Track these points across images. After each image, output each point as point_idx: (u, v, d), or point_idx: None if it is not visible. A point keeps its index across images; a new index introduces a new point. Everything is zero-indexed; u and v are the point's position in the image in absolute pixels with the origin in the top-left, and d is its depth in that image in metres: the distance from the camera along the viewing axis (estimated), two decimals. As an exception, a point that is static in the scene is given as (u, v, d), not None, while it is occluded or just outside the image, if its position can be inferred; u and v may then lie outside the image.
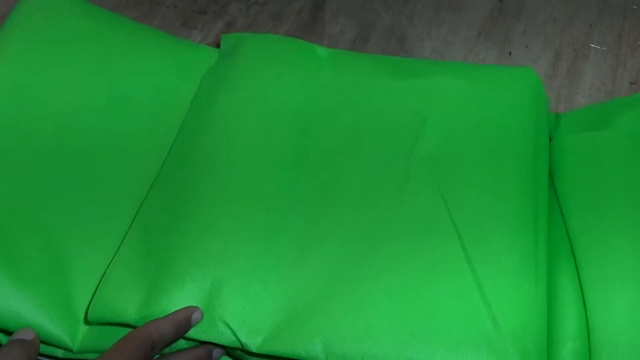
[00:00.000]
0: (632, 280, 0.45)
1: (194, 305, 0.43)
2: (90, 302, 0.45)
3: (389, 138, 0.52)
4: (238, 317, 0.43)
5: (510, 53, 0.69)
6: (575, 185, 0.51)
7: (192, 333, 0.43)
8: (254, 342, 0.42)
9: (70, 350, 0.46)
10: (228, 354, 0.47)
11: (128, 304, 0.44)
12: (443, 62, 0.60)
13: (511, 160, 0.50)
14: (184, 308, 0.43)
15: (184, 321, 0.42)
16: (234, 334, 0.43)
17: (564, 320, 0.46)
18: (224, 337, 0.43)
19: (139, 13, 0.74)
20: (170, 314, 0.43)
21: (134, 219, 0.50)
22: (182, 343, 0.45)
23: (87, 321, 0.46)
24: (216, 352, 0.46)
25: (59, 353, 0.48)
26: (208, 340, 0.43)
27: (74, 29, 0.57)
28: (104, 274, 0.47)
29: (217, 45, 0.63)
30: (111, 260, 0.48)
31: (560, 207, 0.51)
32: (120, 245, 0.48)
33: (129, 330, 0.45)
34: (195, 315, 0.43)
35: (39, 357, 0.48)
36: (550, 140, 0.56)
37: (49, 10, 0.57)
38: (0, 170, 0.50)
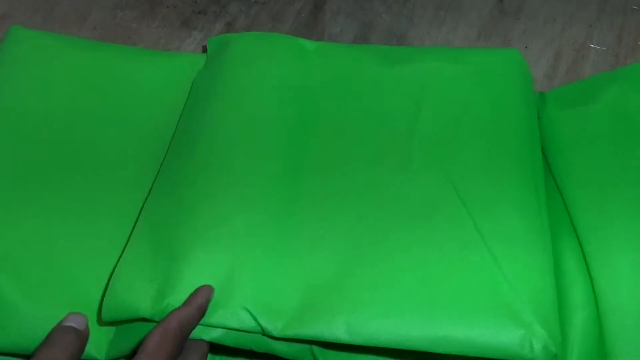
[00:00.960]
0: (632, 244, 0.46)
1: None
2: (102, 301, 0.45)
3: (387, 123, 0.52)
4: (257, 302, 0.43)
5: (510, 53, 0.69)
6: (568, 159, 0.53)
7: (213, 320, 0.42)
8: (275, 327, 0.42)
9: None
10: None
11: (142, 298, 0.43)
12: (429, 47, 0.61)
13: (508, 135, 0.51)
14: (200, 289, 0.42)
15: (205, 304, 0.42)
16: (255, 319, 0.42)
17: (572, 290, 0.47)
18: (245, 323, 0.42)
19: (139, 13, 0.74)
20: (190, 299, 0.42)
21: (138, 216, 0.50)
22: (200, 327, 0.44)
23: (100, 321, 0.46)
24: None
25: None
26: (230, 327, 0.43)
27: (58, 61, 0.59)
28: (112, 271, 0.47)
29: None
30: (119, 258, 0.47)
31: (556, 181, 0.53)
32: (127, 244, 0.48)
33: (147, 324, 0.44)
34: (211, 295, 0.42)
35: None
36: (537, 117, 0.58)
37: (33, 47, 0.60)
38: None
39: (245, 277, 0.43)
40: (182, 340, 0.40)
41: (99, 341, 0.46)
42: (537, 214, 0.47)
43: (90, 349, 0.45)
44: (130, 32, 0.72)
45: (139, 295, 0.43)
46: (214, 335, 0.44)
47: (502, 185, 0.48)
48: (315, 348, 0.45)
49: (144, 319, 0.44)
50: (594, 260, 0.47)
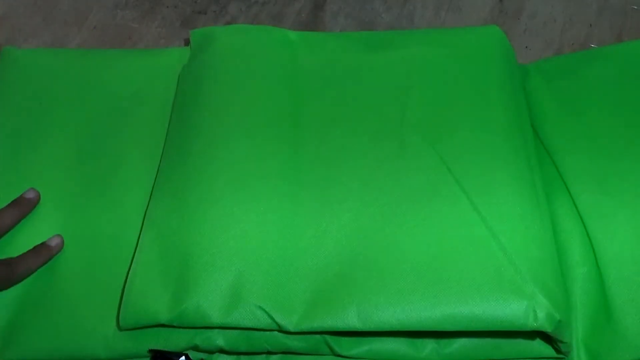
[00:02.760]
0: (625, 200, 0.50)
1: (225, 293, 0.44)
2: (119, 310, 0.46)
3: (377, 110, 0.54)
4: (270, 300, 0.44)
5: (510, 53, 0.69)
6: (557, 127, 0.56)
7: (230, 321, 0.44)
8: (290, 322, 0.44)
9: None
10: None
11: (158, 304, 0.44)
12: (412, 31, 0.62)
13: (496, 111, 0.53)
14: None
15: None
16: (270, 316, 0.44)
17: (569, 248, 0.50)
18: (261, 321, 0.44)
19: (139, 13, 0.74)
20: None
21: (142, 222, 0.51)
22: (217, 331, 0.46)
23: (119, 327, 0.46)
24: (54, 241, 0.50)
25: None
26: (246, 327, 0.44)
27: (53, 74, 0.62)
28: (125, 280, 0.48)
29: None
30: (129, 267, 0.48)
31: (545, 147, 0.56)
32: (135, 252, 0.49)
33: (163, 329, 0.46)
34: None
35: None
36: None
37: (27, 66, 0.62)
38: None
39: (256, 277, 0.45)
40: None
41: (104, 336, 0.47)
42: (531, 185, 0.49)
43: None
44: (130, 32, 0.72)
45: (155, 303, 0.44)
46: (228, 341, 0.46)
47: (494, 162, 0.50)
48: (329, 338, 0.46)
49: (162, 325, 0.45)
50: (590, 218, 0.50)
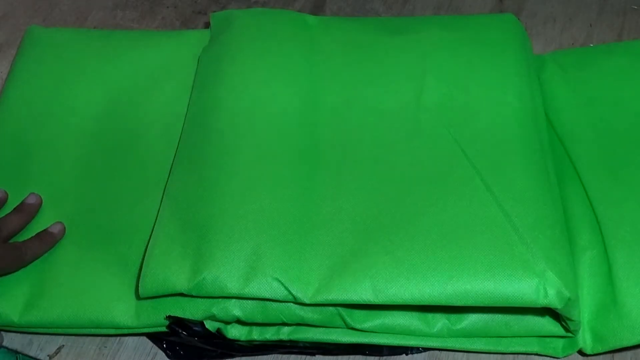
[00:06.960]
0: (635, 187, 0.51)
1: (242, 265, 0.45)
2: (138, 278, 0.47)
3: (394, 93, 0.55)
4: (286, 272, 0.45)
5: (510, 53, 0.69)
6: (570, 116, 0.57)
7: (247, 291, 0.45)
8: (305, 294, 0.45)
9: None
10: (240, 322, 0.49)
11: (177, 274, 0.46)
12: (427, 17, 0.63)
13: (510, 95, 0.54)
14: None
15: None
16: (286, 288, 0.45)
17: (578, 232, 0.51)
18: (277, 292, 0.45)
19: (139, 13, 0.74)
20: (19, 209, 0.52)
21: (162, 198, 0.52)
22: (233, 302, 0.47)
23: (138, 297, 0.48)
24: (55, 227, 0.52)
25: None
26: (263, 297, 0.45)
27: (77, 53, 0.63)
28: (145, 251, 0.49)
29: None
30: (149, 239, 0.49)
31: (558, 135, 0.56)
32: (154, 225, 0.50)
33: (181, 299, 0.47)
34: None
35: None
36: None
37: (51, 44, 0.64)
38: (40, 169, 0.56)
39: (273, 250, 0.46)
40: None
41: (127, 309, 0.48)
42: (543, 168, 0.50)
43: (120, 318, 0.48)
44: (130, 32, 0.72)
45: (174, 272, 0.46)
46: (244, 312, 0.47)
47: (507, 145, 0.51)
48: (342, 311, 0.47)
49: (181, 294, 0.46)
50: (600, 204, 0.51)
